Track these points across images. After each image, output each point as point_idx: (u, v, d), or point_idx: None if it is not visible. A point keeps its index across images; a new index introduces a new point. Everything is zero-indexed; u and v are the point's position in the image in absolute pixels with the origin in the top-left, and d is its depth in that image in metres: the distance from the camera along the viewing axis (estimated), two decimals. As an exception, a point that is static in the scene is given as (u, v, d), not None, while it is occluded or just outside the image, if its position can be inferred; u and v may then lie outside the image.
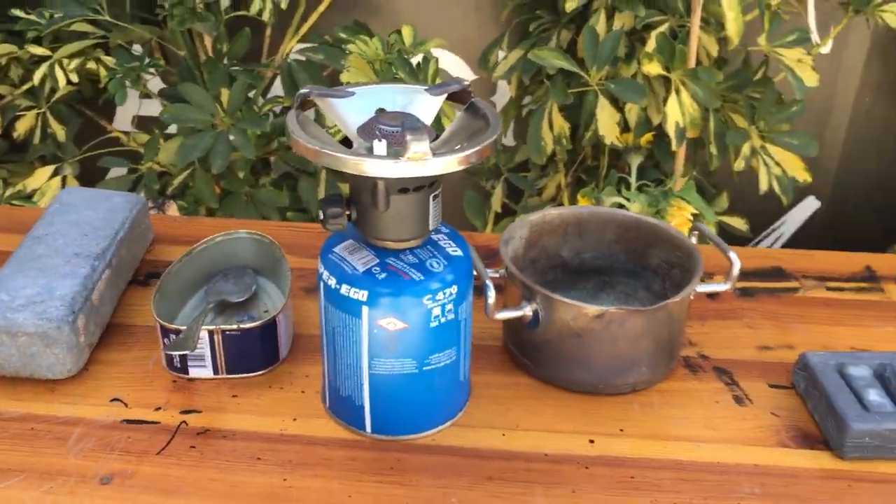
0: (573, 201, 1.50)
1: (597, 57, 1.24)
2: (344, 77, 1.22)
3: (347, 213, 0.68)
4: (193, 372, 0.79)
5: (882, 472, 0.71)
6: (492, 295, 0.74)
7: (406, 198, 0.66)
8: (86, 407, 0.76)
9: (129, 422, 0.75)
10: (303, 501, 0.67)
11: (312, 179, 1.53)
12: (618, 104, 1.32)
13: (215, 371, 0.79)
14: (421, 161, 0.61)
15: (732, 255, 0.81)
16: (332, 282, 0.69)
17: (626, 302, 0.90)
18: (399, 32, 1.22)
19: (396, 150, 0.64)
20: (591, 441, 0.74)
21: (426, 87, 0.70)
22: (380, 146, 0.63)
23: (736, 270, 0.80)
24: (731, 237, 1.66)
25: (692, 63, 1.32)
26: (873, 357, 0.79)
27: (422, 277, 0.68)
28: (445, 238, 0.72)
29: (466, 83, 0.70)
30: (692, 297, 0.80)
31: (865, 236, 1.92)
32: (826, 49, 1.64)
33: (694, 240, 0.86)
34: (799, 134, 1.39)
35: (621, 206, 1.31)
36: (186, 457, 0.71)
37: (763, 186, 1.36)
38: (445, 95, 0.70)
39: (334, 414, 0.75)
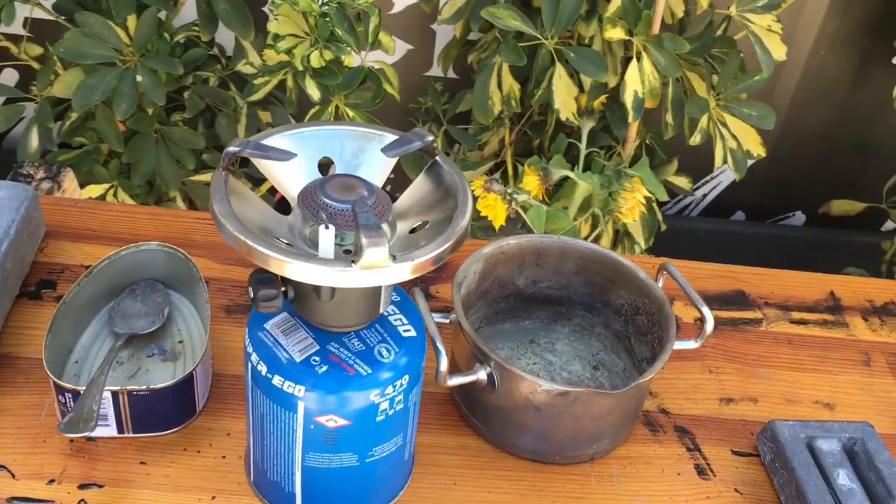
0: (516, 158, 1.40)
1: (556, 19, 1.11)
2: (272, 27, 1.06)
3: (283, 289, 0.57)
4: (94, 431, 0.68)
5: (847, 569, 0.68)
6: (444, 362, 0.65)
7: (356, 289, 0.56)
8: (-36, 478, 0.65)
9: (16, 500, 0.64)
10: None
11: (232, 115, 1.38)
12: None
13: (119, 430, 0.69)
14: (377, 269, 0.50)
15: (705, 310, 0.73)
16: (263, 369, 0.58)
17: (582, 335, 0.82)
18: (337, -22, 1.06)
19: (344, 243, 0.53)
20: (545, 528, 0.68)
21: (382, 147, 0.58)
22: (326, 236, 0.52)
23: (709, 328, 0.73)
24: (671, 193, 1.59)
25: (657, 27, 1.21)
26: (843, 429, 0.74)
27: (369, 371, 0.58)
28: (395, 311, 0.62)
29: (430, 139, 0.58)
30: (661, 360, 0.73)
31: (803, 187, 1.89)
32: (789, -1, 1.54)
33: (661, 281, 0.78)
34: (758, 105, 1.31)
35: (566, 178, 1.21)
36: (86, 553, 0.62)
37: (718, 161, 1.28)
38: (400, 155, 0.58)
39: (260, 492, 0.67)
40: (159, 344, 0.76)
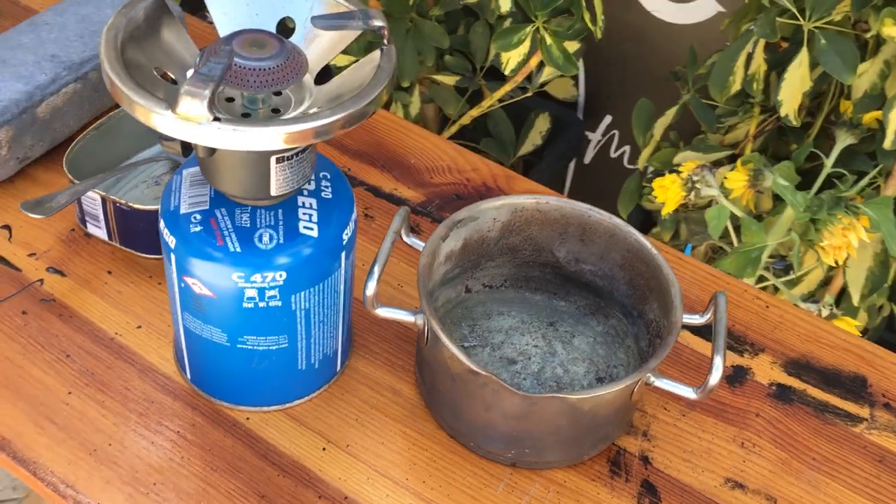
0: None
1: (818, -3, 0.90)
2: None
3: (189, 137, 0.54)
4: (91, 229, 0.72)
5: None
6: (371, 287, 0.58)
7: (233, 153, 0.51)
8: (-25, 223, 0.73)
9: (-4, 258, 0.70)
10: (67, 428, 0.60)
11: (486, 26, 1.34)
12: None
13: (109, 237, 0.72)
14: (192, 123, 0.45)
15: (718, 360, 0.57)
16: (159, 210, 0.57)
17: (612, 343, 0.69)
18: None
19: (253, 106, 0.49)
20: (412, 507, 0.59)
21: (313, 15, 0.51)
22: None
23: (713, 382, 0.57)
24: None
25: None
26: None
27: (237, 249, 0.54)
28: (311, 206, 0.56)
29: (378, 24, 0.50)
30: (636, 388, 0.59)
31: None
32: None
33: (709, 312, 0.62)
34: None
35: (778, 197, 1.01)
36: (8, 323, 0.66)
37: None
38: (339, 32, 0.51)
39: (174, 341, 0.66)
40: (200, 181, 0.78)
